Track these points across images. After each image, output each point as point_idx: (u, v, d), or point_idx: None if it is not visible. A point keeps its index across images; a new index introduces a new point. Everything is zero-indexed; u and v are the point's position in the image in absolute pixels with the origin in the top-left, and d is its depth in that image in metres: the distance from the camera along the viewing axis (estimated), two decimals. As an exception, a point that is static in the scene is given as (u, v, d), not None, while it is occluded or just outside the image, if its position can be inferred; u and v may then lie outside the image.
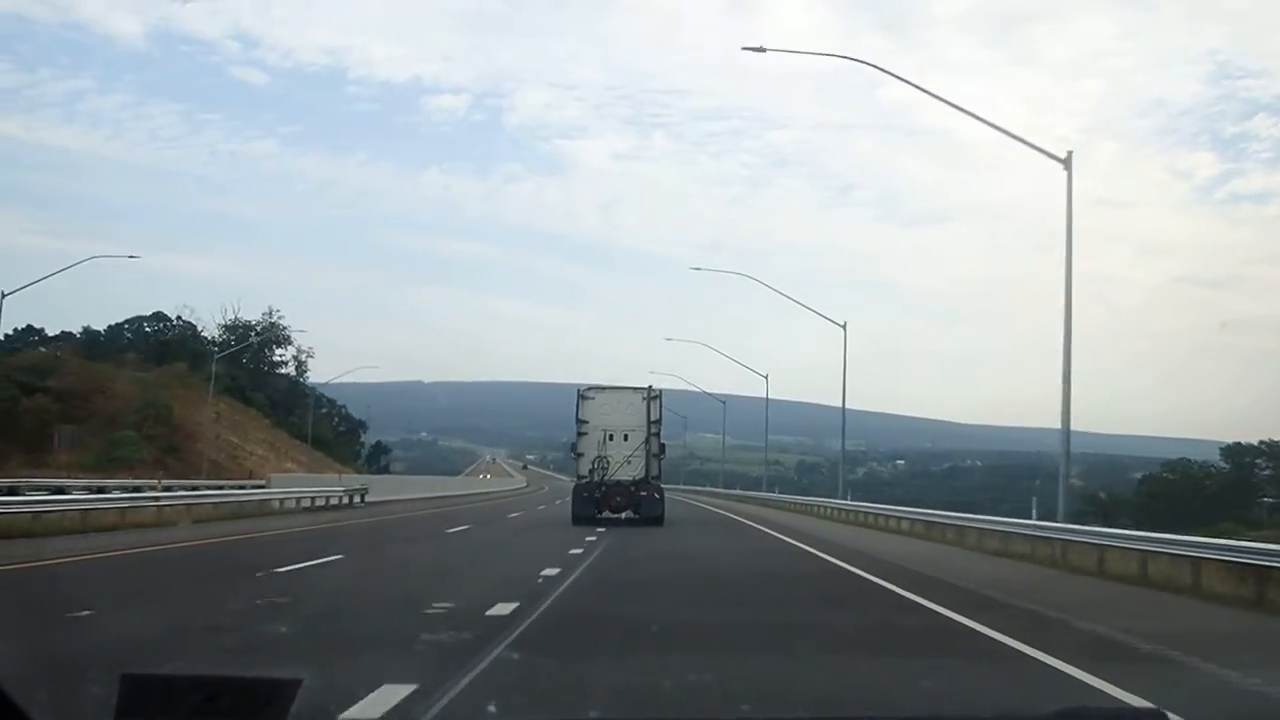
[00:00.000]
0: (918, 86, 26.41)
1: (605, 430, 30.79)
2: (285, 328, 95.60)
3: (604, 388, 31.80)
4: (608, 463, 30.42)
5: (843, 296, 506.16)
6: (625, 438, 30.64)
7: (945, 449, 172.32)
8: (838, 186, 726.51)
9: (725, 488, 78.36)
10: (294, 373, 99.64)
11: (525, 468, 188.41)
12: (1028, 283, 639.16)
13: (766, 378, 63.02)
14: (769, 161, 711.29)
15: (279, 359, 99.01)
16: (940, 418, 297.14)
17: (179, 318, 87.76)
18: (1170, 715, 2.95)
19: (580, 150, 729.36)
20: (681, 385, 75.46)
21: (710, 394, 73.64)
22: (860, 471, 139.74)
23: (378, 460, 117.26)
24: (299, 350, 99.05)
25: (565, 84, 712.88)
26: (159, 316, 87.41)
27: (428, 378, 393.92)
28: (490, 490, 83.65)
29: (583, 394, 31.29)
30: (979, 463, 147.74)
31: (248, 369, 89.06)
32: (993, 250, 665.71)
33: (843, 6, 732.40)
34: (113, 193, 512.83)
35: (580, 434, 31.10)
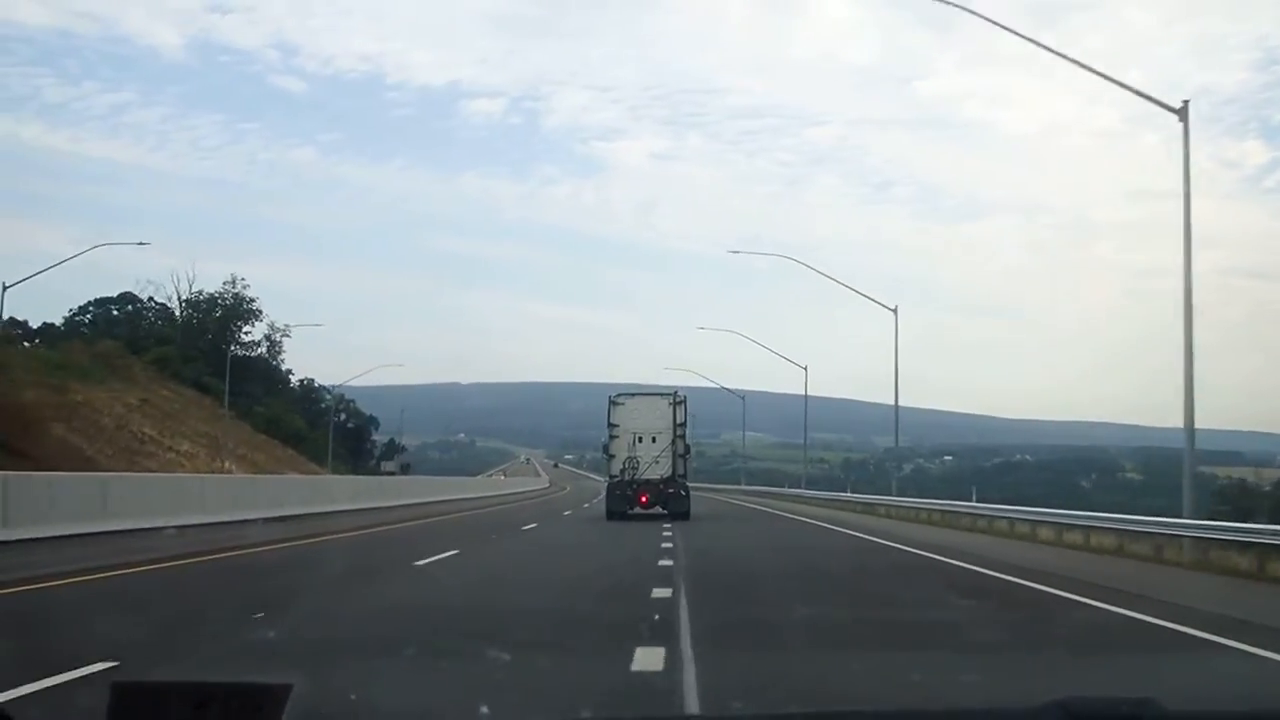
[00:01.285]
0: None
1: (635, 433, 32.92)
2: (252, 300, 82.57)
3: (633, 394, 34.61)
4: (637, 463, 32.48)
5: (883, 293, 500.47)
6: (653, 440, 32.78)
7: (992, 444, 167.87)
8: (876, 183, 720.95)
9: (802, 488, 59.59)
10: (266, 354, 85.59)
11: (556, 466, 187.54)
12: (1068, 275, 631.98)
13: (806, 369, 60.36)
14: (806, 159, 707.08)
15: (248, 339, 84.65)
16: (985, 412, 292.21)
17: (150, 298, 78.48)
18: (1162, 702, 2.82)
19: (617, 151, 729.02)
20: (721, 382, 72.35)
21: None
22: (908, 468, 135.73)
23: (390, 460, 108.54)
24: (271, 328, 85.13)
25: (601, 86, 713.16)
26: (127, 298, 77.49)
27: (465, 379, 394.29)
28: (480, 495, 58.77)
29: (613, 400, 33.77)
30: (1029, 457, 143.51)
31: (207, 350, 74.85)
32: (1032, 244, 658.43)
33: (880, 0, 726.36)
34: (156, 203, 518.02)
35: (612, 436, 33.29)
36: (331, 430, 75.62)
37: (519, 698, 6.35)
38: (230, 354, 76.76)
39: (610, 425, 33.41)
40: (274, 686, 2.66)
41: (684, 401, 33.67)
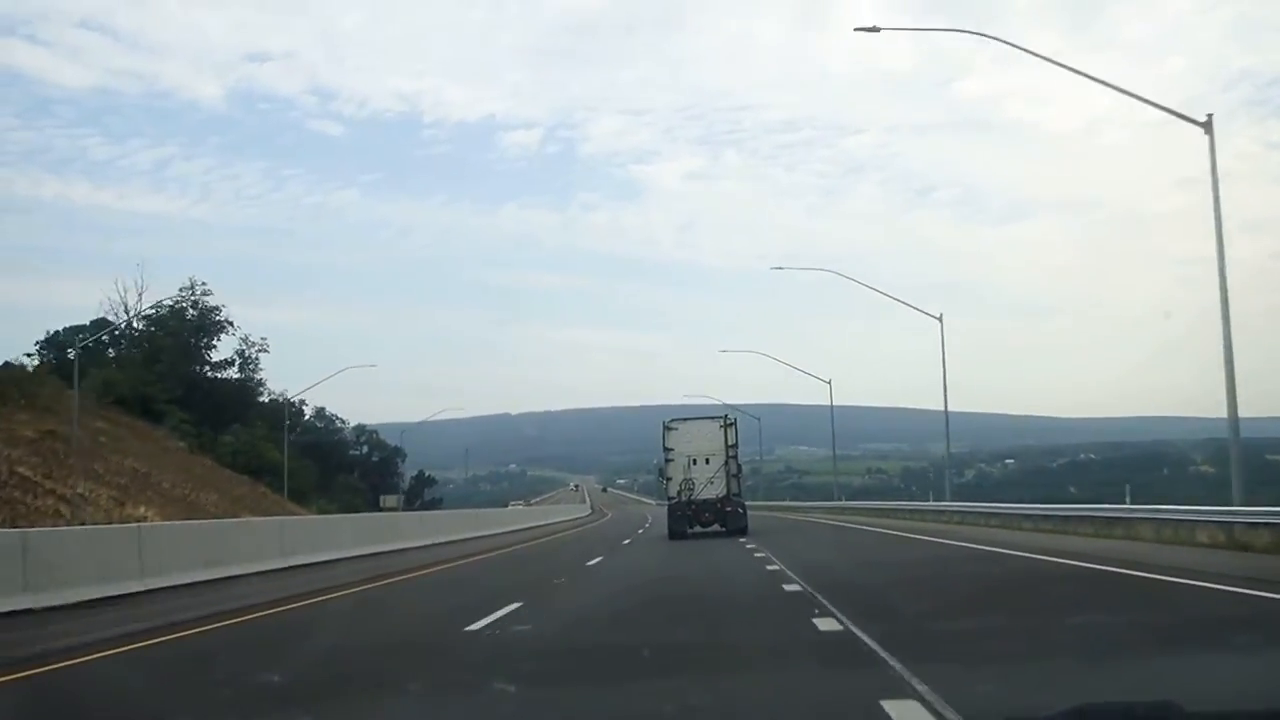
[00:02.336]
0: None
1: (689, 456, 34.39)
2: (219, 309, 69.15)
3: (686, 419, 36.11)
4: (693, 484, 33.99)
5: (930, 298, 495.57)
6: (707, 461, 34.22)
7: (1053, 445, 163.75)
8: (917, 188, 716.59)
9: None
10: (238, 374, 71.96)
11: (605, 491, 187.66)
12: (1119, 269, 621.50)
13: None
14: (843, 169, 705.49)
15: (220, 357, 71.21)
16: (1043, 414, 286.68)
17: (129, 324, 68.66)
18: (1182, 705, 2.79)
19: (654, 174, 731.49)
20: (777, 398, 70.25)
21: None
22: (969, 474, 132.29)
23: (420, 494, 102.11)
24: (244, 343, 71.69)
25: (635, 109, 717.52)
26: (101, 324, 66.57)
27: (515, 410, 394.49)
28: (487, 534, 41.71)
29: (667, 425, 35.33)
30: (1094, 456, 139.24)
31: (165, 373, 63.04)
32: (1082, 240, 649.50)
33: (914, 6, 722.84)
34: (204, 254, 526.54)
35: (668, 460, 34.84)
36: (286, 453, 59.60)
37: None
38: (198, 375, 66.70)
39: (665, 449, 34.99)
40: None
41: (735, 423, 35.31)
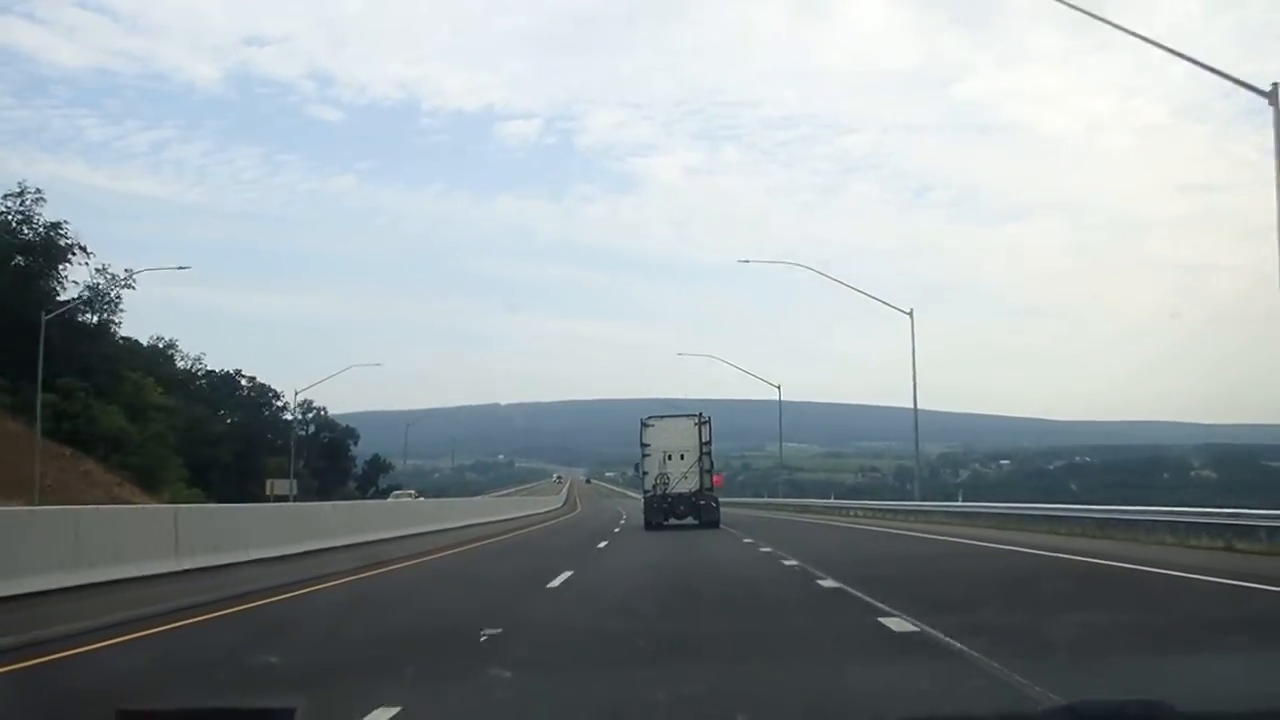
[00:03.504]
0: None
1: (665, 451, 35.79)
2: (63, 227, 51.43)
3: (662, 416, 37.38)
4: (668, 479, 35.46)
5: (924, 297, 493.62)
6: (682, 457, 35.78)
7: (1048, 447, 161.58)
8: (913, 188, 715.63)
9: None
10: (94, 318, 54.16)
11: (589, 482, 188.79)
12: (1118, 273, 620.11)
13: (779, 387, 64.64)
14: (841, 167, 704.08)
15: (73, 293, 52.36)
16: (1037, 415, 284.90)
17: None
18: (1172, 705, 2.75)
19: (652, 167, 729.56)
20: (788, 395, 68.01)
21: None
22: (963, 474, 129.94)
23: (375, 481, 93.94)
24: (101, 274, 53.33)
25: (635, 102, 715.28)
26: None
27: (505, 400, 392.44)
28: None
29: (644, 422, 36.71)
30: (1089, 459, 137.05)
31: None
32: (1077, 244, 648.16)
33: (916, 3, 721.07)
34: (199, 238, 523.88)
35: (645, 455, 36.24)
36: (354, 454, 52.07)
37: None
38: (40, 314, 43.94)
39: (643, 445, 36.37)
40: (277, 710, 2.60)
41: (708, 422, 36.52)
